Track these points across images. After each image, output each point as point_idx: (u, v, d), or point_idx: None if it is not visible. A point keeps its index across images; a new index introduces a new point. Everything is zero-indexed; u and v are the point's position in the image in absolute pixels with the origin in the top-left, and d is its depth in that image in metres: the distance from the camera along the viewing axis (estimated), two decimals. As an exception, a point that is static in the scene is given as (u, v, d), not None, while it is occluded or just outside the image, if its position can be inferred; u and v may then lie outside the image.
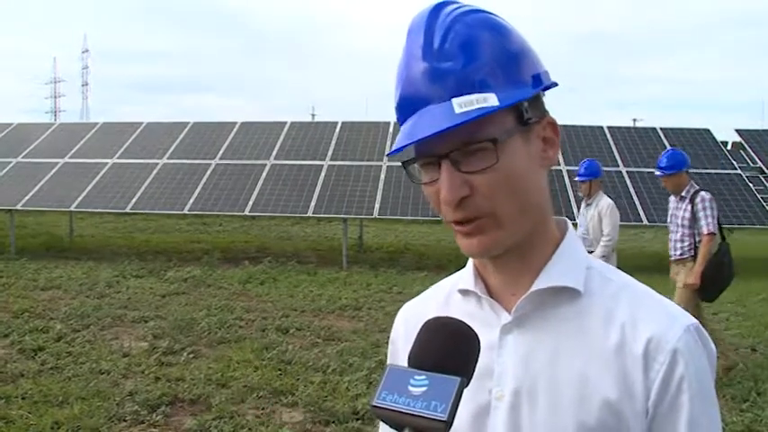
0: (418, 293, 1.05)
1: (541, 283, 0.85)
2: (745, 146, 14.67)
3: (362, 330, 6.79)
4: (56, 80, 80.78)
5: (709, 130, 13.58)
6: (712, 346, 0.84)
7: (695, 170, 12.20)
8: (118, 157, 13.29)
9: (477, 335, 0.74)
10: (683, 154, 5.42)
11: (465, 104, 0.77)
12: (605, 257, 5.57)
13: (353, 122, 13.95)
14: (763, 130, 15.35)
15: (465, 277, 0.93)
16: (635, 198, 11.51)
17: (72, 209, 12.17)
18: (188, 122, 14.41)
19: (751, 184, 12.20)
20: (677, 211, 5.32)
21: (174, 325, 6.68)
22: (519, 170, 0.81)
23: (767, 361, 5.93)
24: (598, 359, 0.82)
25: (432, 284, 1.03)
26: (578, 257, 0.88)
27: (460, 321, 0.75)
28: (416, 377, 0.70)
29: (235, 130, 13.90)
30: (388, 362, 1.00)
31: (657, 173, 5.44)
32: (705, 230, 5.11)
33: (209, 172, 12.63)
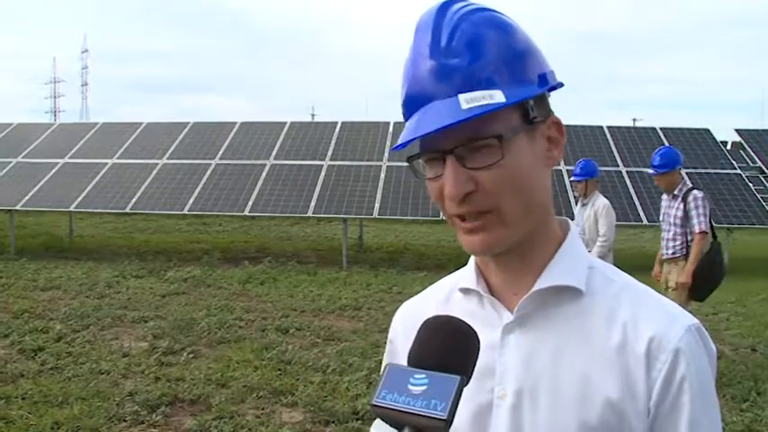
0: (418, 293, 1.05)
1: (544, 282, 0.85)
2: (745, 146, 14.67)
3: (362, 330, 6.79)
4: (55, 80, 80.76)
5: (708, 130, 13.58)
6: (713, 346, 0.84)
7: (695, 170, 12.22)
8: (118, 158, 13.29)
9: (476, 333, 0.74)
10: (677, 152, 5.40)
11: (471, 100, 0.77)
12: (602, 258, 5.56)
13: (353, 122, 13.95)
14: (763, 130, 15.35)
15: (466, 276, 0.93)
16: (635, 198, 11.51)
17: (72, 209, 12.17)
18: (188, 122, 14.41)
19: (751, 184, 12.20)
20: (669, 209, 5.31)
21: (173, 325, 6.68)
22: (524, 168, 0.81)
23: (767, 361, 5.93)
24: (600, 359, 0.82)
25: (431, 284, 1.03)
26: (580, 257, 0.89)
27: (460, 320, 0.75)
28: (416, 376, 0.70)
29: (234, 130, 13.90)
30: (386, 361, 1.00)
31: (650, 171, 5.43)
32: (697, 229, 5.10)
33: (208, 172, 12.63)
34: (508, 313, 0.87)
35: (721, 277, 5.22)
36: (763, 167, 13.87)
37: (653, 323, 0.82)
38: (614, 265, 0.92)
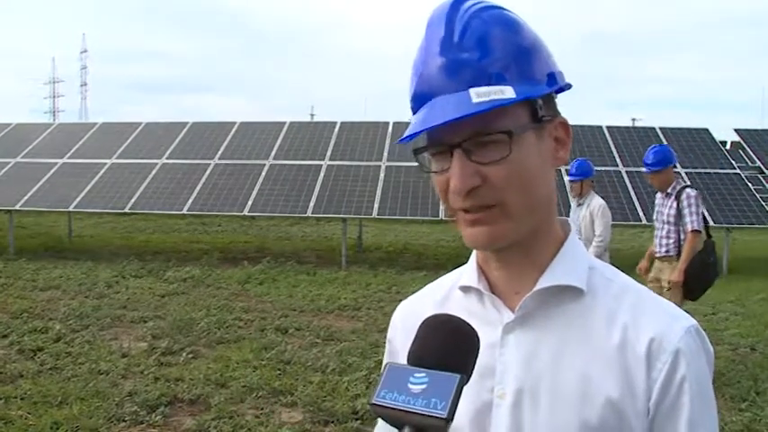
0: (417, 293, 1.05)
1: (546, 281, 0.86)
2: (744, 145, 14.66)
3: (361, 330, 6.79)
4: (54, 80, 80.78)
5: (707, 130, 13.59)
6: (710, 346, 0.85)
7: (694, 170, 12.23)
8: (117, 158, 13.28)
9: (476, 332, 0.74)
10: (670, 150, 5.38)
11: (482, 95, 0.78)
12: (598, 257, 5.53)
13: (352, 122, 13.94)
14: (762, 130, 15.34)
15: (467, 274, 0.93)
16: (634, 198, 11.52)
17: (71, 209, 12.16)
18: (187, 122, 14.41)
19: (750, 184, 12.20)
20: (663, 207, 5.30)
21: (173, 325, 6.67)
22: (530, 165, 0.82)
23: (766, 360, 5.94)
24: (601, 358, 0.82)
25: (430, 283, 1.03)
26: (581, 257, 0.89)
27: (460, 319, 0.75)
28: (416, 375, 0.70)
29: (234, 130, 13.90)
30: (386, 360, 1.00)
31: (644, 169, 5.43)
32: (690, 227, 5.08)
33: (208, 172, 12.63)
34: (509, 312, 0.87)
35: (715, 276, 5.19)
36: (763, 167, 13.87)
37: (653, 324, 0.82)
38: (611, 264, 0.92)
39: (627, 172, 12.18)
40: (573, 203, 6.15)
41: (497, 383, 0.85)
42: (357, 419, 4.35)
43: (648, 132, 13.49)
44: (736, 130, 15.01)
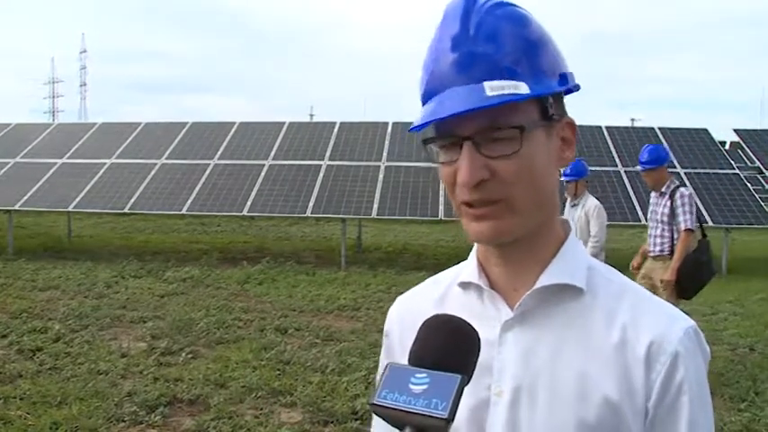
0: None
1: (547, 279, 0.86)
2: (743, 145, 14.66)
3: (361, 330, 6.79)
4: (54, 80, 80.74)
5: (707, 130, 13.60)
6: (707, 346, 0.86)
7: (694, 170, 12.24)
8: (116, 158, 13.28)
9: (477, 333, 0.75)
10: (665, 149, 5.41)
11: (496, 88, 0.78)
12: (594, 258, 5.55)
13: (352, 123, 13.94)
14: (762, 130, 15.34)
15: (467, 270, 0.93)
16: (633, 198, 11.52)
17: (70, 209, 12.16)
18: (186, 122, 14.41)
19: (749, 184, 12.21)
20: (657, 206, 5.30)
21: (172, 325, 6.67)
22: (539, 162, 0.82)
23: (766, 360, 5.94)
24: (599, 358, 0.82)
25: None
26: (581, 257, 0.89)
27: (461, 319, 0.76)
28: (417, 375, 0.70)
29: (233, 130, 13.90)
30: (383, 356, 1.00)
31: (638, 167, 5.45)
32: (683, 227, 5.08)
33: (207, 172, 12.62)
34: (507, 309, 0.87)
35: (710, 276, 5.18)
36: (762, 167, 13.87)
37: (652, 325, 0.82)
38: (607, 264, 0.93)
39: (626, 172, 12.18)
40: (567, 204, 6.14)
41: (495, 381, 0.85)
42: (357, 420, 4.35)
43: (648, 132, 13.50)
44: (735, 131, 15.01)
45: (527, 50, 0.82)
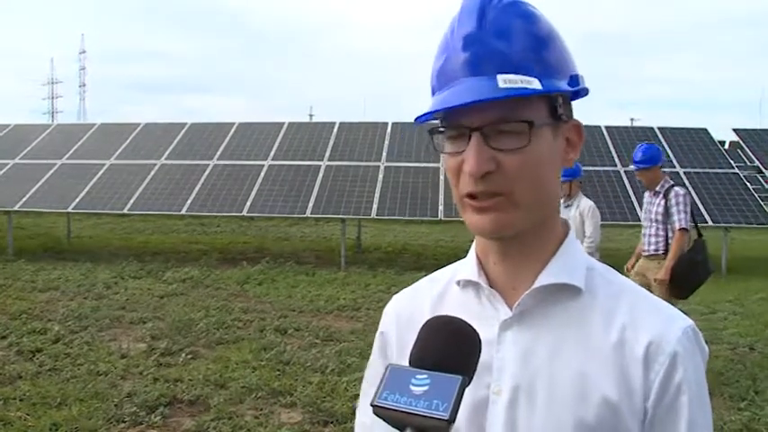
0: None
1: (545, 278, 0.86)
2: (743, 145, 14.67)
3: (361, 331, 6.79)
4: (53, 81, 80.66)
5: (706, 130, 13.61)
6: (705, 345, 0.86)
7: (693, 170, 12.24)
8: (116, 158, 13.27)
9: (477, 333, 0.75)
10: (658, 149, 5.41)
11: (509, 81, 0.79)
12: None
13: (351, 123, 13.94)
14: (761, 130, 15.35)
15: (466, 268, 0.93)
16: (633, 198, 11.52)
17: (70, 210, 12.16)
18: (186, 123, 14.40)
19: (748, 184, 12.22)
20: (651, 206, 5.30)
21: (172, 326, 6.67)
22: (544, 159, 0.83)
23: (765, 360, 5.94)
24: (598, 357, 0.82)
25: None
26: (580, 257, 0.90)
27: (461, 320, 0.76)
28: (418, 376, 0.70)
29: (233, 130, 13.89)
30: (376, 354, 0.99)
31: (632, 167, 5.45)
32: (678, 226, 5.08)
33: (206, 172, 12.62)
34: (506, 309, 0.87)
35: (706, 275, 5.16)
36: (761, 167, 13.88)
37: (651, 325, 0.83)
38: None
39: (625, 172, 12.18)
40: (561, 204, 6.13)
41: (494, 380, 0.85)
42: (357, 420, 4.35)
43: (647, 132, 13.50)
44: (734, 130, 15.01)
45: (540, 49, 0.83)
